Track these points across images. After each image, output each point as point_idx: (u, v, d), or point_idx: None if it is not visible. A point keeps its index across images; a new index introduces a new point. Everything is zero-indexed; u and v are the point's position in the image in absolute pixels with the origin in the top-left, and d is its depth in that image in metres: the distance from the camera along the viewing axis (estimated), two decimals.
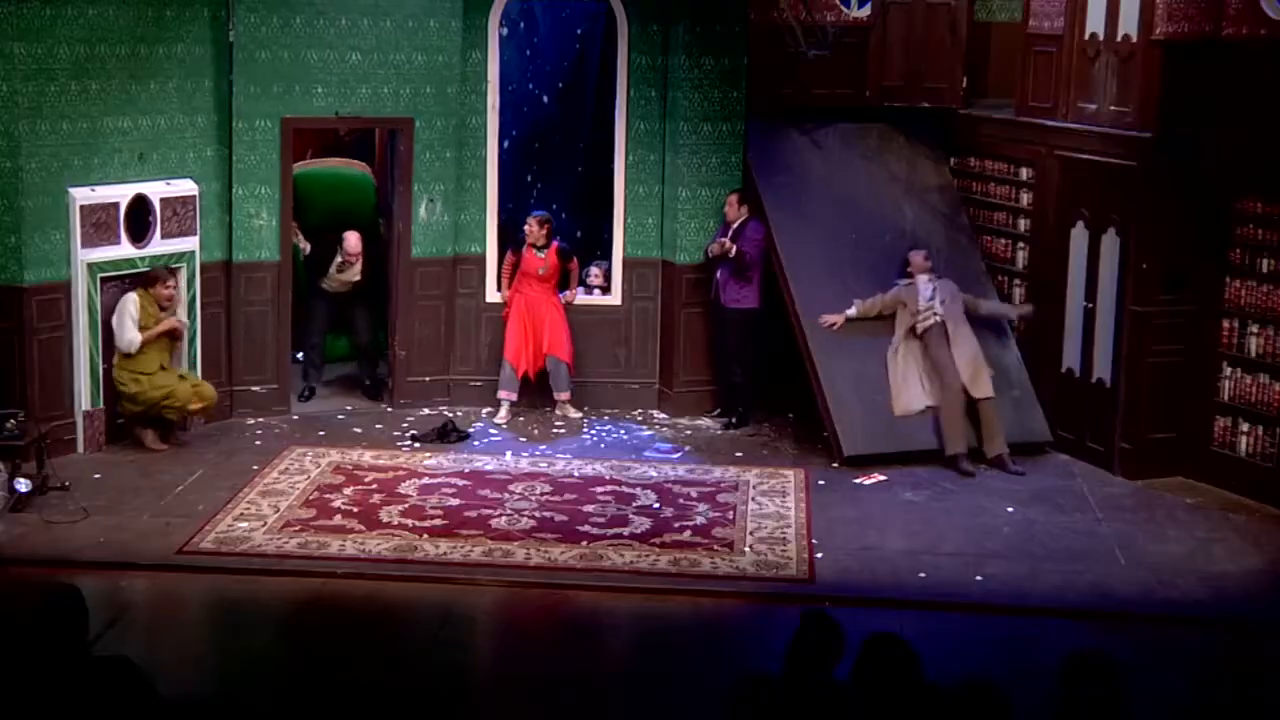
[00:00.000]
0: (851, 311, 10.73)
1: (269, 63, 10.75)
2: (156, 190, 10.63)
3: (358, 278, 11.50)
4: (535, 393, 11.37)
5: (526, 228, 11.18)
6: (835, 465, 10.40)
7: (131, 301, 10.23)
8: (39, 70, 9.59)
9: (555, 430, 11.11)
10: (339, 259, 11.41)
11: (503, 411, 11.19)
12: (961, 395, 10.37)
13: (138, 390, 10.23)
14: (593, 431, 11.02)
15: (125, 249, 10.39)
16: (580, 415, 11.29)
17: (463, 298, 11.55)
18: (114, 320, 10.24)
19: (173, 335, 10.46)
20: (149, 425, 10.38)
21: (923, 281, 10.71)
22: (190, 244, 10.76)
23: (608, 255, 11.68)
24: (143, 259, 10.45)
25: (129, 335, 10.18)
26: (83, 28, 9.85)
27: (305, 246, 11.59)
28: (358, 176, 12.37)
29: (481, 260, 11.55)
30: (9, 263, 9.96)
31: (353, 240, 11.36)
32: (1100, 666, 4.87)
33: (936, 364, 10.50)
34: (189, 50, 10.43)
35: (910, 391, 10.52)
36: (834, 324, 10.69)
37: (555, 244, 11.25)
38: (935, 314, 10.57)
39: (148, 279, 10.36)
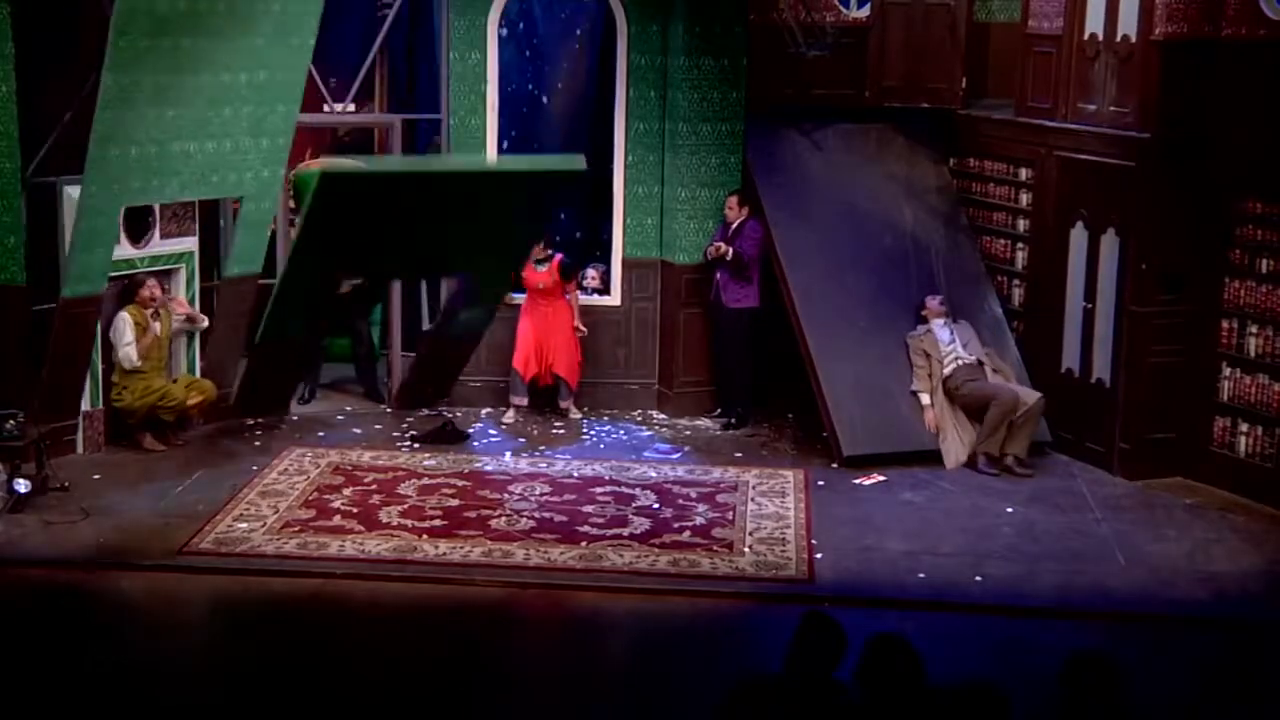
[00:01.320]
0: (925, 399, 10.52)
1: None
2: None
3: (360, 281, 11.47)
4: (536, 395, 11.36)
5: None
6: (835, 465, 10.40)
7: (124, 321, 10.31)
8: (121, 99, 9.46)
9: (555, 431, 11.11)
10: None
11: (510, 414, 11.22)
12: (1011, 406, 10.28)
13: (130, 401, 10.32)
14: (592, 432, 11.01)
15: (125, 250, 10.38)
16: (580, 416, 11.29)
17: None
18: (112, 336, 10.32)
19: (191, 321, 10.61)
20: (146, 427, 10.40)
21: (938, 326, 10.66)
22: (189, 244, 10.79)
23: (607, 256, 11.67)
24: (142, 260, 10.46)
25: (126, 353, 10.27)
26: (171, 57, 9.67)
27: None
28: None
29: None
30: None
31: None
32: (1101, 667, 4.88)
33: (979, 395, 10.38)
34: (271, 76, 10.33)
35: (951, 448, 10.44)
36: (932, 422, 10.47)
37: (557, 259, 11.15)
38: (958, 357, 10.52)
39: (126, 291, 10.40)
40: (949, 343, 10.60)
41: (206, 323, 10.78)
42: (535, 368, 11.20)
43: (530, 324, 11.19)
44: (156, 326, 10.38)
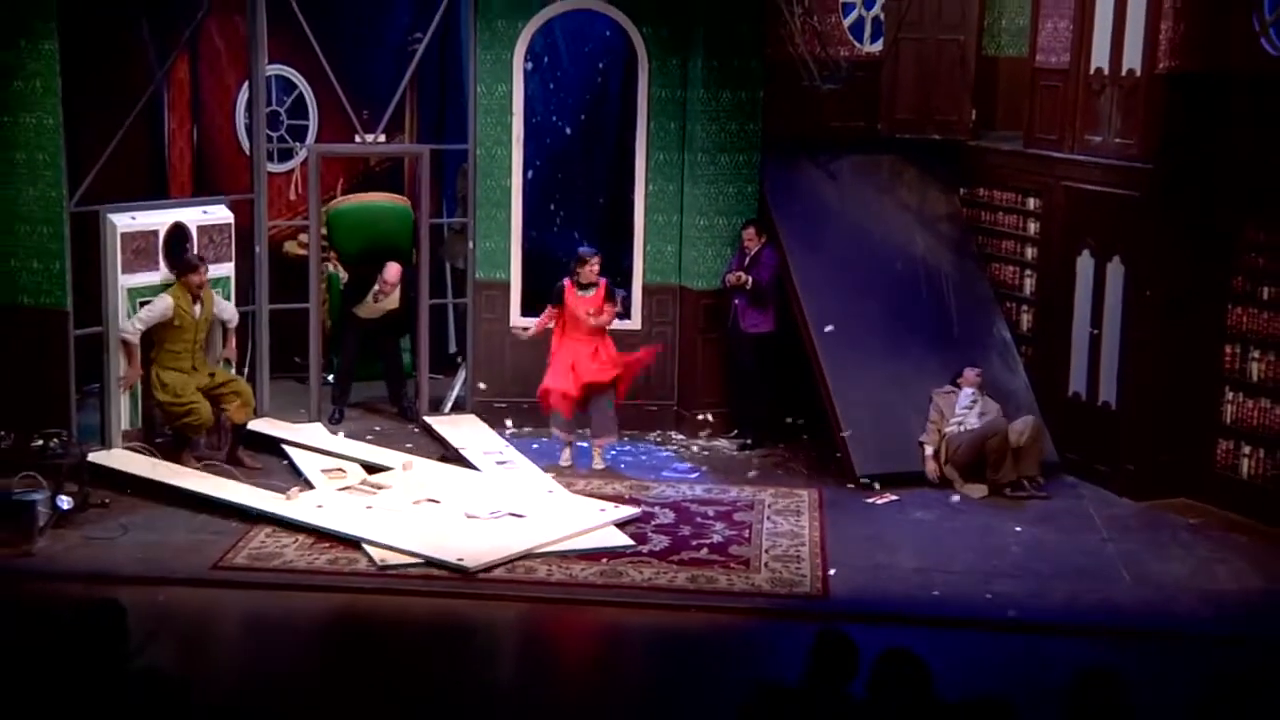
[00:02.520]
0: (929, 450, 10.47)
1: None
2: (193, 218, 10.73)
3: (394, 306, 11.51)
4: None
5: (581, 266, 10.57)
6: (849, 485, 10.40)
7: (164, 300, 10.15)
8: None
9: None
10: (376, 288, 11.41)
11: (565, 454, 10.73)
12: (1003, 434, 10.25)
13: (164, 399, 10.20)
14: (612, 452, 11.00)
15: (163, 274, 10.44)
16: (605, 462, 10.88)
17: (487, 322, 11.56)
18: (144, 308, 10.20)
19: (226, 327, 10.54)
20: (182, 444, 10.33)
21: (965, 393, 10.55)
22: (226, 270, 10.83)
23: (627, 282, 11.63)
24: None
25: (132, 321, 10.12)
26: None
27: (342, 274, 11.64)
28: (399, 209, 12.36)
29: (506, 286, 11.53)
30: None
31: (393, 271, 11.33)
32: (1108, 683, 4.86)
33: (970, 446, 10.31)
34: None
35: (969, 486, 10.40)
36: (934, 472, 10.42)
37: (604, 283, 10.67)
38: (962, 424, 10.43)
39: (183, 265, 10.27)
40: (965, 408, 10.48)
41: (236, 320, 10.69)
42: (575, 403, 10.62)
43: (565, 362, 10.59)
44: (197, 309, 10.24)
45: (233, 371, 10.66)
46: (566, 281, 10.63)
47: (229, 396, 10.36)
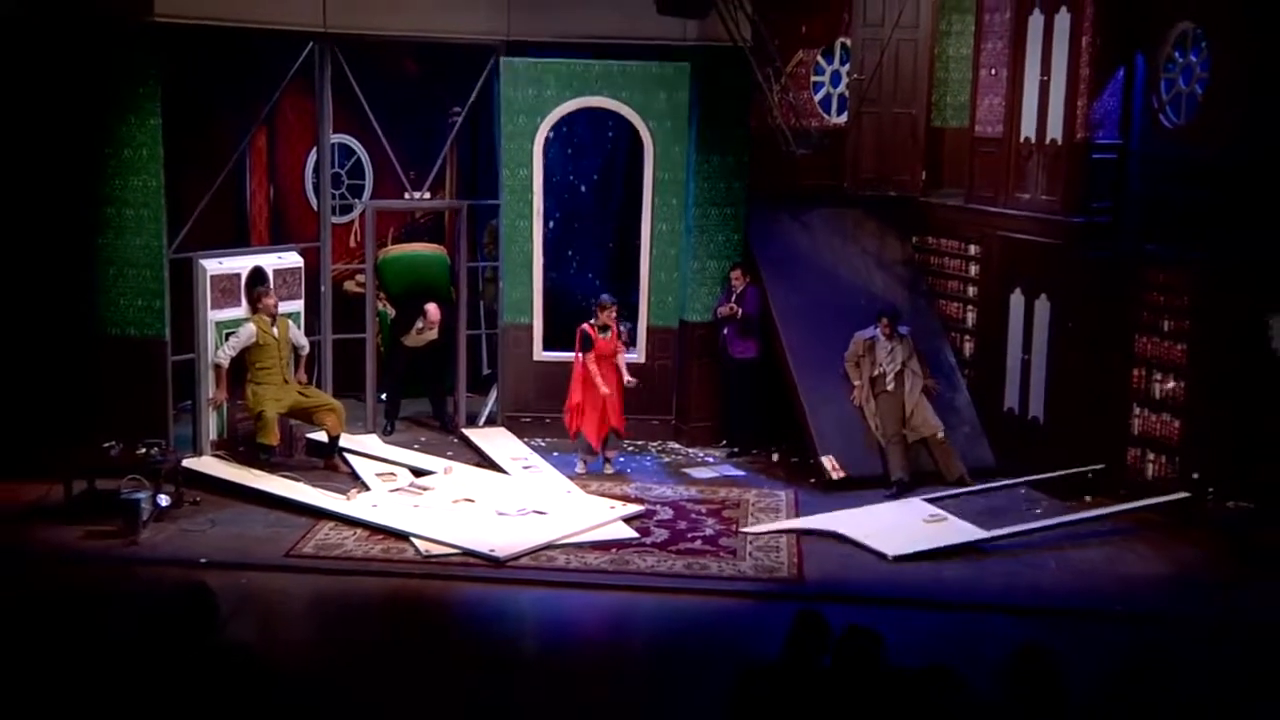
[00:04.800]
0: (857, 382, 10.55)
1: None
2: (270, 262, 10.78)
3: (434, 337, 11.52)
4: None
5: (601, 311, 10.43)
6: (816, 483, 10.37)
7: (247, 328, 10.15)
8: None
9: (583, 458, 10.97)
10: (420, 324, 11.42)
11: (581, 465, 10.57)
12: (901, 436, 10.30)
13: (250, 399, 10.15)
14: (620, 460, 10.99)
15: (245, 310, 10.48)
16: (617, 466, 10.80)
17: (514, 356, 11.54)
18: (232, 337, 10.17)
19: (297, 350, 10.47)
20: (258, 451, 10.19)
21: (882, 342, 10.50)
22: (297, 305, 10.85)
23: (634, 317, 11.63)
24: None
25: (224, 350, 10.12)
26: None
27: (390, 310, 11.68)
28: (437, 257, 12.39)
29: (529, 328, 11.49)
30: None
31: (433, 311, 11.34)
32: (1044, 657, 4.81)
33: (884, 412, 10.41)
34: None
35: (877, 430, 10.46)
36: (855, 395, 10.50)
37: (615, 325, 10.51)
38: (882, 369, 10.45)
39: (253, 295, 10.28)
40: (887, 353, 10.45)
41: (308, 348, 10.67)
42: (604, 431, 10.49)
43: (597, 398, 10.36)
44: (275, 331, 10.23)
45: (304, 339, 10.57)
46: (586, 326, 10.48)
47: (324, 412, 10.34)
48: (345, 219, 12.47)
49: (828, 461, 10.28)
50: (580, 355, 10.45)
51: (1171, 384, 9.67)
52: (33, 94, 9.88)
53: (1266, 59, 9.05)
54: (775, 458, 11.12)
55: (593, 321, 10.51)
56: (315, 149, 11.47)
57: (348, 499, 9.66)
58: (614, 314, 10.51)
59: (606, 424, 10.50)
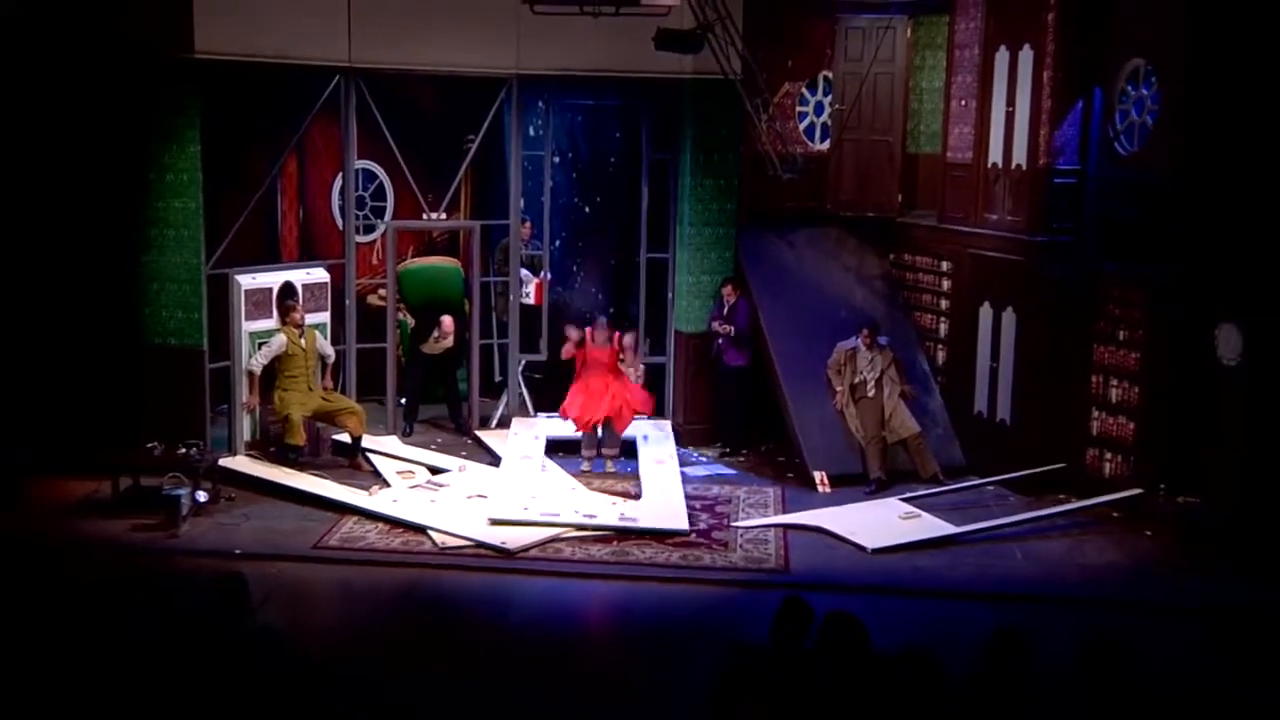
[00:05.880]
0: (839, 387, 10.52)
1: None
2: (299, 278, 10.80)
3: (450, 345, 11.52)
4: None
5: (597, 331, 10.57)
6: (794, 477, 10.38)
7: (278, 339, 10.17)
8: None
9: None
10: (436, 334, 11.42)
11: (585, 464, 10.62)
12: (880, 438, 10.30)
13: (278, 404, 10.14)
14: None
15: (275, 321, 10.50)
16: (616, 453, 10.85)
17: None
18: (264, 346, 10.18)
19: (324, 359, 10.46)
20: (286, 451, 10.17)
21: (863, 352, 10.52)
22: (323, 317, 10.86)
23: (635, 324, 11.66)
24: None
25: (257, 358, 10.13)
26: None
27: (410, 320, 11.68)
28: (453, 270, 12.38)
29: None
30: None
31: (447, 322, 11.33)
32: (1018, 638, 4.83)
33: (864, 416, 10.40)
34: None
35: (858, 432, 10.45)
36: (837, 400, 10.45)
37: (617, 335, 10.61)
38: (863, 376, 10.44)
39: (283, 308, 10.31)
40: (867, 363, 10.44)
41: (333, 357, 10.68)
42: (594, 423, 10.59)
43: (588, 390, 10.52)
44: (303, 341, 10.25)
45: (330, 350, 10.60)
46: (589, 330, 10.63)
47: (347, 415, 10.35)
48: (368, 238, 12.47)
49: (818, 476, 10.27)
50: (573, 346, 10.59)
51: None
52: (84, 124, 9.92)
53: (1209, 93, 9.08)
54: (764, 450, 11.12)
55: (593, 329, 10.66)
56: (341, 173, 11.46)
57: (370, 495, 9.67)
58: (605, 333, 10.56)
59: (597, 413, 10.47)
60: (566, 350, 10.78)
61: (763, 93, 10.47)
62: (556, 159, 11.64)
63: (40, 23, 9.61)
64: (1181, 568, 8.67)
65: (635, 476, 10.39)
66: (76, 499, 9.49)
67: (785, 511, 9.73)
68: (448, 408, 11.85)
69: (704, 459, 11.06)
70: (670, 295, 11.55)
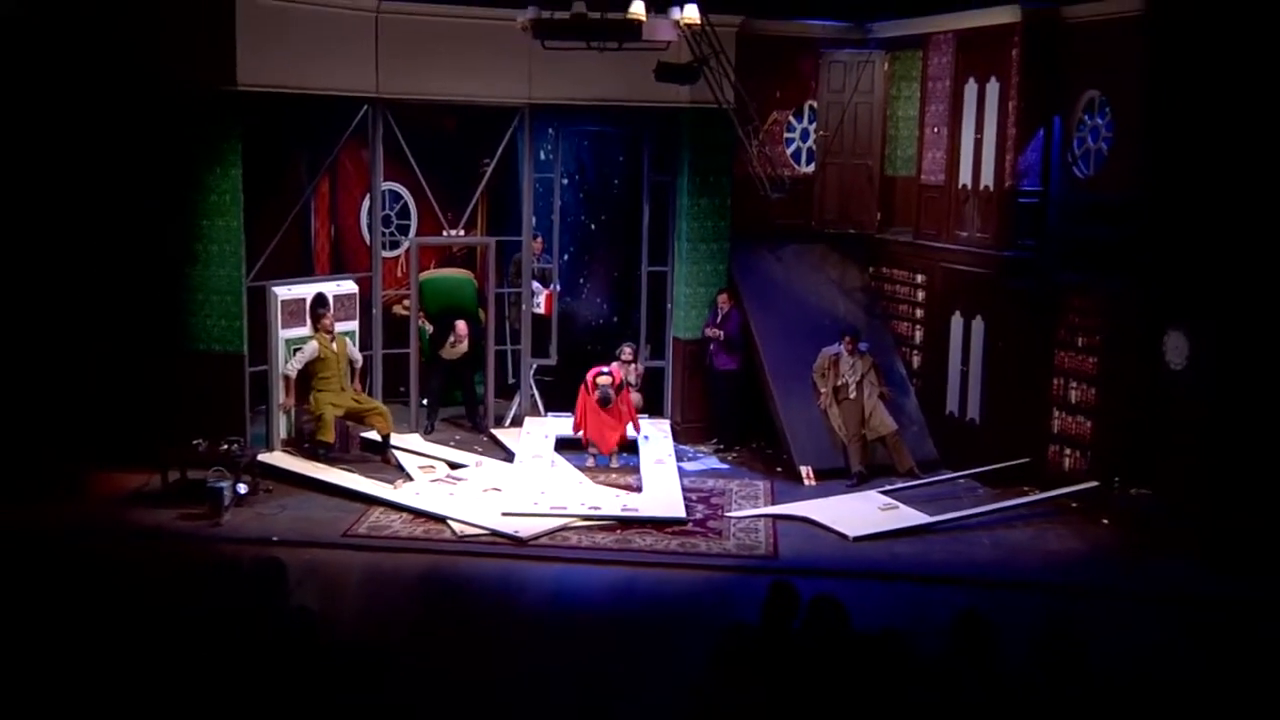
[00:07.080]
0: (824, 389, 10.48)
1: None
2: (330, 289, 10.81)
3: (466, 350, 11.55)
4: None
5: (617, 371, 10.60)
6: (782, 471, 10.37)
7: (310, 346, 10.18)
8: None
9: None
10: (452, 339, 11.45)
11: (590, 460, 10.60)
12: (861, 436, 10.31)
13: (312, 404, 10.15)
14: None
15: (309, 329, 10.52)
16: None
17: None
18: (297, 352, 10.18)
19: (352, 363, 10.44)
20: (319, 447, 10.17)
21: (845, 358, 10.51)
22: (352, 325, 10.86)
23: (637, 336, 11.68)
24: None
25: (292, 363, 10.15)
26: None
27: (429, 328, 11.70)
28: (466, 281, 12.40)
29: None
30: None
31: (461, 327, 11.36)
32: (981, 620, 4.83)
33: (846, 416, 10.40)
34: None
35: (840, 430, 10.46)
36: (822, 401, 10.39)
37: (617, 375, 10.62)
38: (845, 381, 10.42)
39: (315, 316, 10.31)
40: (849, 368, 10.41)
41: (361, 362, 10.66)
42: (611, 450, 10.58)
43: (600, 419, 10.57)
44: (334, 347, 10.24)
45: (358, 354, 10.57)
46: (601, 380, 10.54)
47: (374, 415, 10.38)
48: (393, 253, 12.45)
49: (804, 470, 10.28)
50: (586, 393, 10.53)
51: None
52: (138, 151, 9.94)
53: (1158, 122, 9.11)
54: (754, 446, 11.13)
55: (608, 370, 10.53)
56: (368, 194, 11.48)
57: (395, 488, 9.69)
58: (608, 379, 10.50)
59: (616, 438, 10.52)
60: (581, 402, 10.58)
61: (753, 120, 10.49)
62: (565, 180, 11.66)
63: (101, 62, 9.68)
64: (1135, 554, 8.68)
65: (636, 470, 10.40)
66: (130, 490, 9.53)
67: (774, 503, 9.75)
68: (465, 408, 11.84)
69: (700, 455, 11.09)
70: (669, 305, 11.63)
